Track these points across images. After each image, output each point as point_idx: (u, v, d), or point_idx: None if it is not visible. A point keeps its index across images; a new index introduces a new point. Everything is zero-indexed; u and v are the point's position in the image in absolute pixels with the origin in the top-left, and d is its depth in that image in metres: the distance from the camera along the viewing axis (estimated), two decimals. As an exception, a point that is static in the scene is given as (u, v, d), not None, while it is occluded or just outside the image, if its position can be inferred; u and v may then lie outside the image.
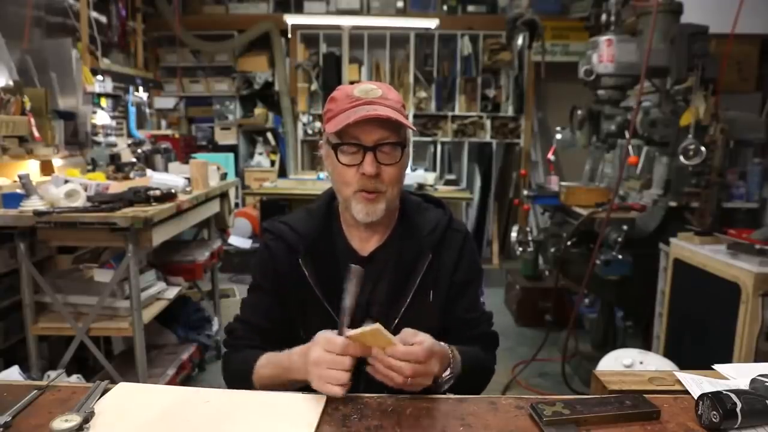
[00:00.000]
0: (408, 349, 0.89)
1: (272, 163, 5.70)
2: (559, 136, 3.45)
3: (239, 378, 1.10)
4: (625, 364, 2.21)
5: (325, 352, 0.90)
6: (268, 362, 1.07)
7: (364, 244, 1.18)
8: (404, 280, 1.14)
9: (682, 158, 2.47)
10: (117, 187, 2.43)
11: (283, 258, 1.16)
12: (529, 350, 3.30)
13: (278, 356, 1.05)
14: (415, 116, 5.47)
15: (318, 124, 5.48)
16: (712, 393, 0.81)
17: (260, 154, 5.71)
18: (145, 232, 2.22)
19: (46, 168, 2.84)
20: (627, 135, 2.71)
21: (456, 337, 1.13)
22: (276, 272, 1.17)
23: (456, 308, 1.19)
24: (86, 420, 0.81)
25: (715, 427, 0.80)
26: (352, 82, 5.27)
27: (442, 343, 1.01)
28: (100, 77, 3.64)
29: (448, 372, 1.01)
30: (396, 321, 1.11)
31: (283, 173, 5.53)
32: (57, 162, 2.93)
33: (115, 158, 3.20)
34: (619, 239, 2.66)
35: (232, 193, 3.45)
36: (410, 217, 1.20)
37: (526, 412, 0.86)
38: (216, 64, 5.50)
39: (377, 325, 0.85)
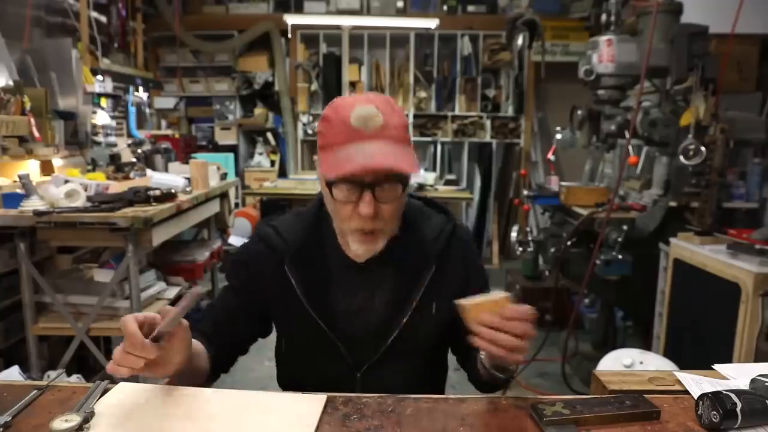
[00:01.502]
0: (522, 308, 0.84)
1: (272, 163, 5.70)
2: (559, 136, 3.45)
3: None
4: (625, 364, 2.21)
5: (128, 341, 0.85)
6: None
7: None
8: (406, 291, 1.08)
9: (682, 158, 2.47)
10: (117, 187, 2.43)
11: (267, 263, 1.10)
12: (529, 350, 3.30)
13: None
14: (415, 116, 5.47)
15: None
16: (712, 393, 0.81)
17: (260, 154, 5.71)
18: (145, 232, 2.22)
19: (46, 168, 2.84)
20: (627, 135, 2.71)
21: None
22: (252, 276, 1.13)
23: None
24: (86, 420, 0.81)
25: (715, 427, 0.80)
26: (352, 83, 5.30)
27: None
28: (100, 77, 3.63)
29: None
30: (396, 332, 1.07)
31: (283, 173, 5.54)
32: (57, 162, 2.93)
33: (115, 158, 3.21)
34: (619, 239, 2.66)
35: (232, 193, 3.45)
36: (413, 224, 1.12)
37: (526, 412, 0.86)
38: (216, 64, 5.50)
39: (506, 294, 0.83)
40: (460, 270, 1.13)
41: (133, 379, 0.91)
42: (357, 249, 1.03)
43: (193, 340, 1.02)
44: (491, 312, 0.84)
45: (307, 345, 1.12)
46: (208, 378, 1.10)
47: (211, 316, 1.15)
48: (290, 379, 1.21)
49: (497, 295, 0.85)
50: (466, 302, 0.86)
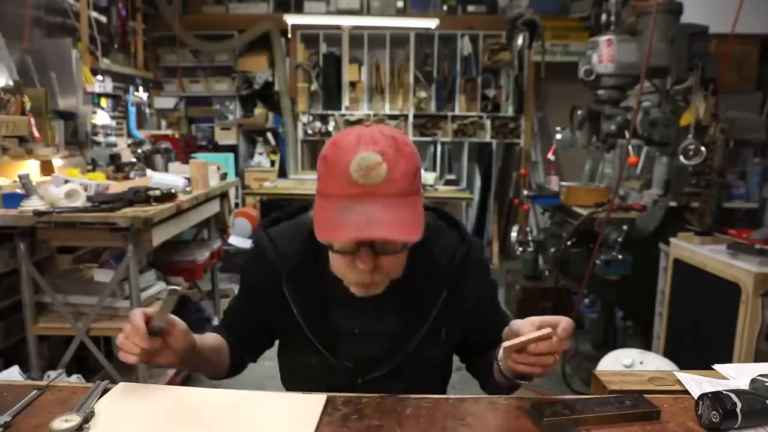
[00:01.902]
0: (567, 323, 0.84)
1: (272, 163, 5.69)
2: (559, 136, 3.45)
3: None
4: (625, 364, 2.21)
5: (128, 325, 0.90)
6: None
7: None
8: (414, 318, 1.03)
9: (682, 158, 2.47)
10: (117, 187, 2.43)
11: (266, 279, 1.07)
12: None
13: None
14: (415, 116, 5.47)
15: (318, 124, 5.48)
16: (712, 393, 0.81)
17: (260, 154, 5.71)
18: (145, 232, 2.22)
19: (46, 168, 2.84)
20: (627, 135, 2.71)
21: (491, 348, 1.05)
22: (254, 290, 1.13)
23: (489, 329, 1.07)
24: (86, 420, 0.81)
25: (715, 427, 0.80)
26: (352, 83, 5.29)
27: None
28: (100, 77, 3.63)
29: None
30: (402, 359, 1.04)
31: (283, 173, 5.54)
32: (57, 162, 2.93)
33: (115, 158, 3.21)
34: (619, 239, 2.66)
35: (232, 193, 3.45)
36: (423, 244, 0.95)
37: (526, 412, 0.86)
38: (216, 64, 5.49)
39: (548, 331, 0.82)
40: (472, 292, 1.07)
41: (133, 379, 0.91)
42: (355, 291, 0.98)
43: (209, 333, 1.07)
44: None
45: (305, 361, 1.10)
46: (232, 368, 1.14)
47: (228, 315, 1.18)
48: (291, 383, 1.20)
49: (537, 333, 0.83)
50: (510, 344, 0.84)
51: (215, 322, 3.37)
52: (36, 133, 2.67)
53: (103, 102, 3.72)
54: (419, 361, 1.06)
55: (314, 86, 5.43)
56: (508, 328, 0.90)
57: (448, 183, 4.72)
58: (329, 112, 5.47)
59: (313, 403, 0.89)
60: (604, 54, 2.75)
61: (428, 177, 4.60)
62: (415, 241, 0.89)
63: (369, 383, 1.06)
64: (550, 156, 3.71)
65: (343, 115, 5.45)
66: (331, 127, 5.46)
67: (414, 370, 1.07)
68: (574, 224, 2.89)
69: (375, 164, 0.87)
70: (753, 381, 0.89)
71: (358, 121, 5.46)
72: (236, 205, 4.84)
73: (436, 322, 1.04)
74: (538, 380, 3.29)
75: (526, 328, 0.86)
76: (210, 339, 1.08)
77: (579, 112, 3.05)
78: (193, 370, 1.01)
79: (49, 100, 2.89)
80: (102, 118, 3.57)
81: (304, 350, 1.07)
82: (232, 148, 5.35)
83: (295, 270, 1.05)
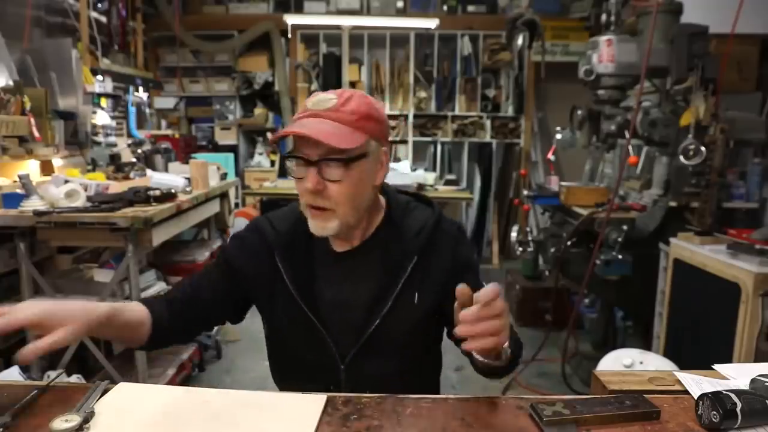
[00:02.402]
0: (485, 291, 0.79)
1: (272, 163, 5.69)
2: (559, 136, 3.45)
3: None
4: (625, 364, 2.21)
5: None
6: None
7: (343, 243, 1.15)
8: (387, 283, 1.11)
9: (682, 158, 2.47)
10: (117, 187, 2.43)
11: (259, 252, 1.16)
12: (529, 350, 3.30)
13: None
14: (415, 116, 5.48)
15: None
16: (712, 393, 0.81)
17: (260, 154, 5.71)
18: (145, 232, 2.22)
19: (46, 168, 2.84)
20: (627, 135, 2.71)
21: None
22: (244, 264, 1.17)
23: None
24: (86, 420, 0.81)
25: (715, 427, 0.80)
26: (352, 83, 5.30)
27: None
28: (100, 77, 3.63)
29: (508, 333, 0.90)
30: (377, 322, 1.10)
31: (283, 173, 5.53)
32: (57, 162, 2.93)
33: (115, 158, 3.21)
34: (619, 239, 2.66)
35: (232, 193, 3.45)
36: (395, 219, 1.16)
37: (526, 412, 0.86)
38: (216, 64, 5.49)
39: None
40: (444, 262, 1.14)
41: (133, 379, 0.91)
42: (311, 225, 1.08)
43: (132, 304, 1.10)
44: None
45: (293, 335, 1.15)
46: (152, 341, 1.12)
47: (188, 287, 1.19)
48: (278, 372, 1.24)
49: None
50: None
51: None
52: (36, 133, 2.68)
53: (103, 102, 3.72)
54: (395, 330, 1.11)
55: (314, 86, 5.43)
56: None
57: (448, 183, 4.72)
58: (329, 112, 5.46)
59: (313, 403, 0.89)
60: (604, 54, 2.75)
61: (428, 177, 4.60)
62: (336, 147, 1.00)
63: (353, 362, 1.11)
64: (550, 156, 3.71)
65: (343, 115, 5.45)
66: (331, 127, 5.45)
67: (390, 339, 1.11)
68: (574, 224, 2.89)
69: (327, 98, 1.07)
70: (753, 381, 0.89)
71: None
72: (236, 205, 4.84)
73: (407, 286, 1.11)
74: (538, 380, 3.29)
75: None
76: (128, 313, 1.06)
77: (579, 112, 3.05)
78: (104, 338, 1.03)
79: (49, 100, 2.89)
80: (102, 118, 3.58)
81: (294, 319, 1.13)
82: (232, 148, 5.35)
83: (287, 245, 1.15)
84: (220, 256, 1.22)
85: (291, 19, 5.05)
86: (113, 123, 3.75)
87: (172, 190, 2.46)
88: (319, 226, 1.07)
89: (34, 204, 2.14)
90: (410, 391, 0.94)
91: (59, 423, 0.79)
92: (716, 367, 1.01)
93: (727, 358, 2.01)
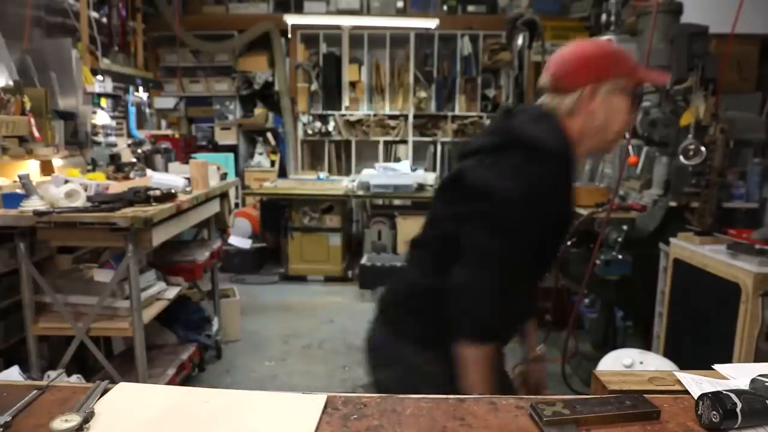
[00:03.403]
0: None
1: (272, 163, 5.70)
2: (559, 136, 3.44)
3: None
4: (625, 364, 2.21)
5: None
6: None
7: None
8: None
9: (682, 158, 2.47)
10: (117, 187, 2.43)
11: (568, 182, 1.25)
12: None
13: None
14: (415, 116, 5.48)
15: (318, 124, 5.48)
16: (712, 393, 0.81)
17: (260, 154, 5.71)
18: (145, 232, 2.22)
19: (46, 168, 2.84)
20: (627, 135, 2.71)
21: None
22: (559, 200, 1.24)
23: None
24: (86, 420, 0.81)
25: (715, 427, 0.79)
26: (352, 83, 5.30)
27: None
28: (100, 77, 3.64)
29: None
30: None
31: (283, 173, 5.54)
32: (57, 162, 2.93)
33: (115, 158, 3.21)
34: (619, 239, 2.66)
35: (232, 193, 3.45)
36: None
37: (526, 412, 0.86)
38: (216, 64, 5.50)
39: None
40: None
41: (133, 379, 0.91)
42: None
43: None
44: None
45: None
46: None
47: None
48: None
49: None
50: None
51: (215, 322, 3.36)
52: (36, 133, 2.68)
53: (103, 102, 3.72)
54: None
55: (314, 86, 5.43)
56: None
57: (448, 183, 4.72)
58: (329, 112, 5.47)
59: (313, 403, 0.89)
60: (604, 54, 2.74)
61: (428, 177, 4.61)
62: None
63: None
64: (550, 156, 3.70)
65: (343, 115, 5.45)
66: (331, 127, 5.46)
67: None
68: (574, 224, 2.89)
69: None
70: (753, 381, 0.89)
71: (358, 122, 5.46)
72: (236, 205, 4.85)
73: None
74: (538, 380, 3.25)
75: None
76: None
77: (579, 112, 3.05)
78: None
79: (49, 100, 2.89)
80: (102, 118, 3.58)
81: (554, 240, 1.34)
82: (232, 148, 5.36)
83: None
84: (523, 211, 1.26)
85: (291, 19, 5.06)
86: (113, 123, 3.75)
87: (172, 190, 2.46)
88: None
89: (34, 204, 2.14)
90: None
91: (59, 423, 0.79)
92: (716, 367, 1.00)
93: (727, 358, 2.01)
